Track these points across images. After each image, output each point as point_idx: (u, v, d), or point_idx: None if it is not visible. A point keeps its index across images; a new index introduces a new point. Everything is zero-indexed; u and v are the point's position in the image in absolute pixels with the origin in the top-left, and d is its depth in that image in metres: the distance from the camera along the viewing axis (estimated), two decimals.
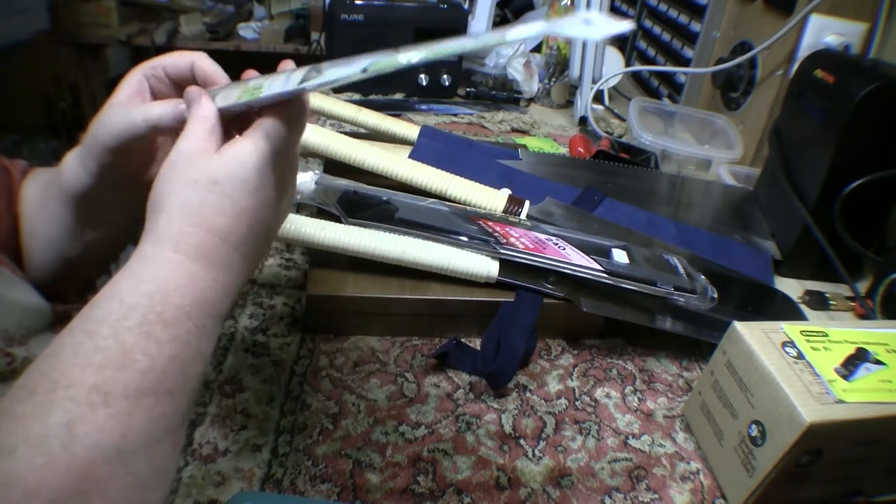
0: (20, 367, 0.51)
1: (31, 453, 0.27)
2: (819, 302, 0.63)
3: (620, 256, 0.56)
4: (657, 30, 1.23)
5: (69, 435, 0.27)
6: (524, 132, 0.99)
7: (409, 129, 0.74)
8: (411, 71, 1.06)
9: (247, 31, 2.36)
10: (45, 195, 0.57)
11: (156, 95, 0.48)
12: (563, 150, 0.91)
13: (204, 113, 0.40)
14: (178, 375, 0.33)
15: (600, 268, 0.53)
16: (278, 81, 0.39)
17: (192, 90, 0.42)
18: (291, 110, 0.40)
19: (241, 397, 0.46)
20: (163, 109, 0.46)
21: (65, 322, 0.58)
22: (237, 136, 0.39)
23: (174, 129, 0.47)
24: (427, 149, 0.71)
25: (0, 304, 0.51)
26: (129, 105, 0.47)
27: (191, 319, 0.34)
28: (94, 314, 0.33)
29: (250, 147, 0.38)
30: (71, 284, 0.62)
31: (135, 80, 0.48)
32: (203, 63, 0.48)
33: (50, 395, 0.28)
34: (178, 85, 0.48)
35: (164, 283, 0.34)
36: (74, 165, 0.53)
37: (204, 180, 0.36)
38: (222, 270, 0.36)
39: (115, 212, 0.59)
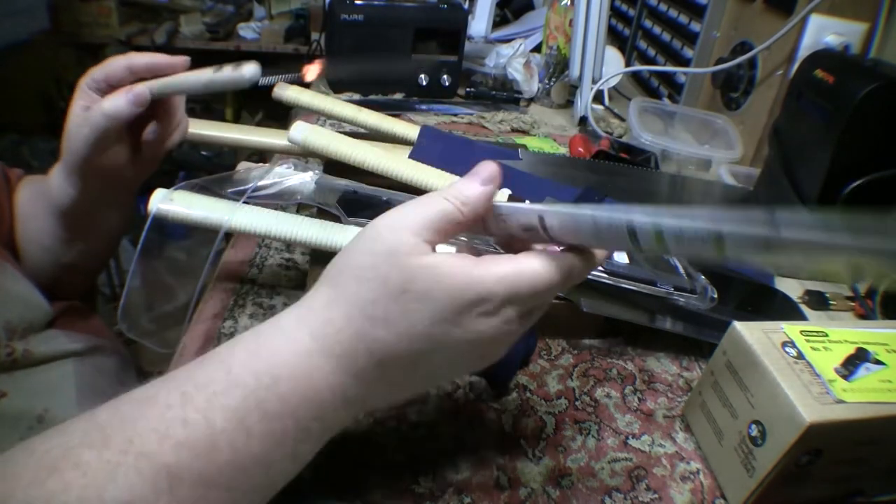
0: (21, 358, 0.51)
1: None
2: (819, 302, 0.63)
3: (620, 256, 0.56)
4: (657, 30, 1.23)
5: None
6: (524, 132, 0.99)
7: (409, 129, 0.74)
8: (412, 70, 1.06)
9: (247, 31, 2.36)
10: (36, 206, 0.58)
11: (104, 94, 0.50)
12: (563, 150, 0.91)
13: (446, 206, 0.31)
14: (260, 478, 0.29)
15: (600, 268, 0.53)
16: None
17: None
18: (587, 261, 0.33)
19: None
20: (115, 100, 0.48)
21: (63, 319, 0.58)
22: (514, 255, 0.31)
23: (134, 115, 0.49)
24: (427, 149, 0.71)
25: (4, 296, 0.52)
26: (87, 111, 0.49)
27: (294, 419, 0.29)
28: (198, 374, 0.29)
29: (507, 274, 0.30)
30: (70, 285, 0.63)
31: (84, 95, 0.50)
32: (138, 60, 0.49)
33: (119, 458, 0.26)
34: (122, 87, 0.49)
35: (281, 365, 0.29)
36: (60, 181, 0.54)
37: (397, 284, 0.29)
38: (353, 381, 0.30)
39: (106, 218, 0.60)
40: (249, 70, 0.46)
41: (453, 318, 0.29)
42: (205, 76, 0.47)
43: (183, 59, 0.49)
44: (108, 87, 0.50)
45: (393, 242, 0.30)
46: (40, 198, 0.57)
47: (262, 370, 0.29)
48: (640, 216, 0.28)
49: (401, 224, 0.30)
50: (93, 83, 0.49)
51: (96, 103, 0.49)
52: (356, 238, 0.31)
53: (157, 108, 0.52)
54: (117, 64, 0.49)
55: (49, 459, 0.25)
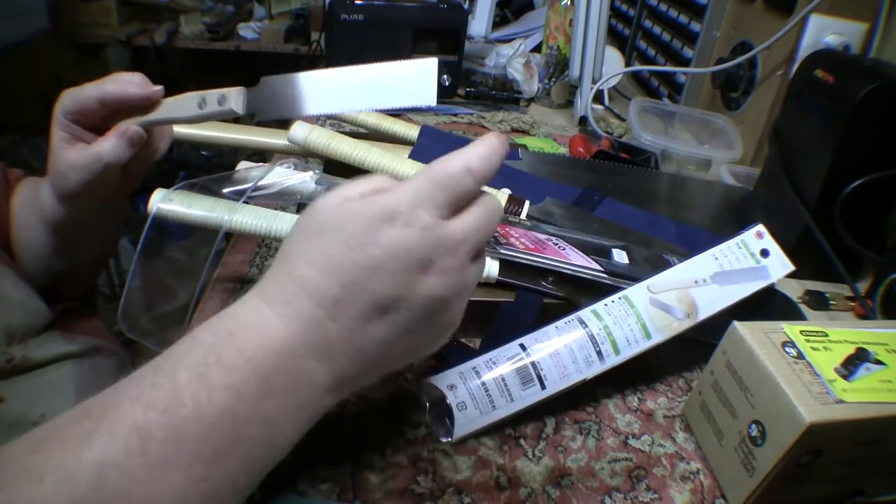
0: (20, 364, 0.51)
1: (58, 488, 0.26)
2: (819, 302, 0.63)
3: (620, 256, 0.56)
4: (657, 30, 1.23)
5: (99, 479, 0.26)
6: (524, 132, 0.99)
7: (409, 128, 0.74)
8: None
9: (247, 31, 2.36)
10: (28, 215, 0.57)
11: (86, 126, 0.49)
12: (563, 150, 0.92)
13: (373, 179, 0.34)
14: (229, 435, 0.29)
15: (600, 268, 0.53)
16: None
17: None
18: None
19: None
20: (113, 145, 0.47)
21: (62, 320, 0.58)
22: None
23: (133, 153, 0.49)
24: (427, 148, 0.71)
25: (4, 301, 0.52)
26: (76, 149, 0.48)
27: (251, 368, 0.30)
28: (170, 350, 0.31)
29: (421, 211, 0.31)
30: (66, 289, 0.62)
31: (63, 126, 0.48)
32: (110, 91, 0.48)
33: (95, 425, 0.27)
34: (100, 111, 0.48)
35: (235, 322, 0.31)
36: (50, 200, 0.53)
37: (315, 227, 0.32)
38: (302, 327, 0.31)
39: (97, 229, 0.59)
40: (234, 102, 0.45)
41: (367, 238, 0.30)
42: (191, 111, 0.46)
43: (157, 90, 0.48)
44: (84, 119, 0.48)
45: (319, 203, 0.33)
46: (32, 207, 0.56)
47: (220, 328, 0.31)
48: None
49: (332, 194, 0.33)
50: (69, 116, 0.48)
51: (88, 141, 0.48)
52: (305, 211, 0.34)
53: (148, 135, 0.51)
54: (88, 96, 0.47)
55: (36, 438, 0.28)
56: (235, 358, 0.30)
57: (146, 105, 0.48)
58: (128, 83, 0.48)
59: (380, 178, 0.34)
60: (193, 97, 0.46)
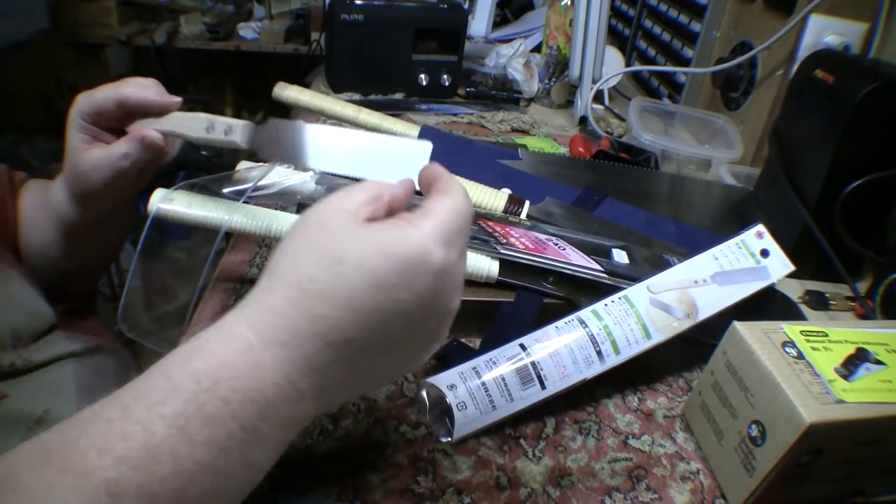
0: (21, 367, 0.51)
1: None
2: (819, 302, 0.63)
3: (620, 256, 0.56)
4: (657, 30, 1.23)
5: None
6: (524, 132, 0.99)
7: (409, 128, 0.74)
8: (412, 70, 1.06)
9: (247, 31, 2.36)
10: (38, 216, 0.58)
11: (103, 127, 0.50)
12: (564, 150, 0.91)
13: (376, 185, 0.32)
14: (207, 486, 0.26)
15: (600, 268, 0.53)
16: None
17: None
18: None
19: None
20: (135, 147, 0.48)
21: (64, 319, 0.59)
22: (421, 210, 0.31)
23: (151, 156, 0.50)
24: None
25: (11, 304, 0.52)
26: (97, 149, 0.49)
27: (236, 420, 0.27)
28: (139, 385, 0.27)
29: (431, 230, 0.30)
30: (71, 289, 0.63)
31: (82, 127, 0.49)
32: (129, 94, 0.49)
33: (58, 478, 0.24)
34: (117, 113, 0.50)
35: (220, 366, 0.27)
36: (64, 199, 0.54)
37: (332, 254, 0.28)
38: (303, 370, 0.28)
39: (108, 229, 0.60)
40: (239, 136, 0.46)
41: (398, 279, 0.28)
42: (198, 132, 0.48)
43: (176, 101, 0.49)
44: (101, 120, 0.49)
45: (324, 215, 0.30)
46: (43, 209, 0.57)
47: (202, 372, 0.27)
48: None
49: (329, 204, 0.30)
50: (87, 117, 0.49)
51: (106, 140, 0.49)
52: (293, 226, 0.31)
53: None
54: (106, 97, 0.48)
55: None
56: (220, 410, 0.26)
57: (161, 112, 0.49)
58: (146, 88, 0.49)
59: (388, 187, 0.32)
60: (203, 119, 0.48)
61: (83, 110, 0.49)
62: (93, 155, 0.49)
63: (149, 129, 0.49)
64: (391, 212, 0.32)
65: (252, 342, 0.28)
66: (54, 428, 0.27)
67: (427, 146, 0.42)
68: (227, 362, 0.27)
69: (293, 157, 0.45)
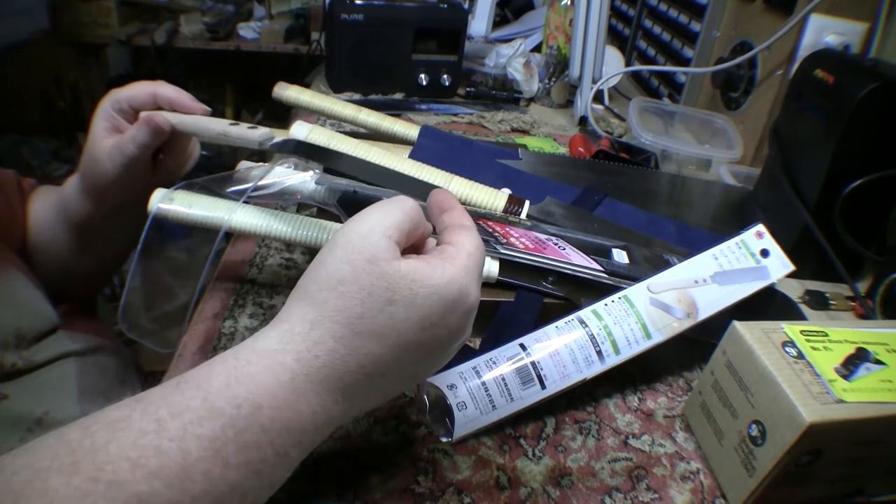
0: (23, 367, 0.51)
1: None
2: (819, 302, 0.63)
3: (620, 256, 0.56)
4: (657, 29, 1.23)
5: None
6: (524, 132, 0.99)
7: (409, 128, 0.74)
8: (412, 70, 1.06)
9: (247, 30, 2.36)
10: (50, 218, 0.58)
11: (129, 119, 0.52)
12: (563, 150, 0.92)
13: (414, 212, 0.33)
14: (235, 503, 0.27)
15: (600, 268, 0.53)
16: None
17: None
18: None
19: None
20: (136, 130, 0.50)
21: (66, 319, 0.59)
22: (446, 246, 0.33)
23: (159, 143, 0.52)
24: (427, 148, 0.71)
25: (16, 304, 0.52)
26: (113, 138, 0.51)
27: (273, 447, 0.28)
28: (174, 399, 0.27)
29: (463, 262, 0.32)
30: (77, 291, 0.63)
31: (107, 116, 0.51)
32: (164, 91, 0.51)
33: (89, 486, 0.24)
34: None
35: (261, 394, 0.28)
36: (78, 196, 0.55)
37: (382, 295, 0.29)
38: (338, 399, 0.30)
39: (118, 231, 0.60)
40: (261, 134, 0.48)
41: (440, 319, 0.30)
42: (219, 126, 0.49)
43: (203, 107, 0.52)
44: (132, 110, 0.51)
45: (369, 249, 0.29)
46: (55, 210, 0.58)
47: (243, 398, 0.27)
48: None
49: (372, 228, 0.30)
50: (117, 105, 0.50)
51: (125, 132, 0.51)
52: (328, 248, 0.30)
53: (179, 137, 0.55)
54: (143, 89, 0.50)
55: (16, 483, 0.24)
56: (258, 437, 0.27)
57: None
58: (182, 92, 0.51)
59: (416, 213, 0.33)
60: (226, 120, 0.50)
61: (115, 98, 0.51)
62: (109, 142, 0.51)
63: (165, 115, 0.50)
64: (420, 237, 0.34)
65: (296, 374, 0.28)
66: (77, 427, 0.26)
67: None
68: (270, 391, 0.28)
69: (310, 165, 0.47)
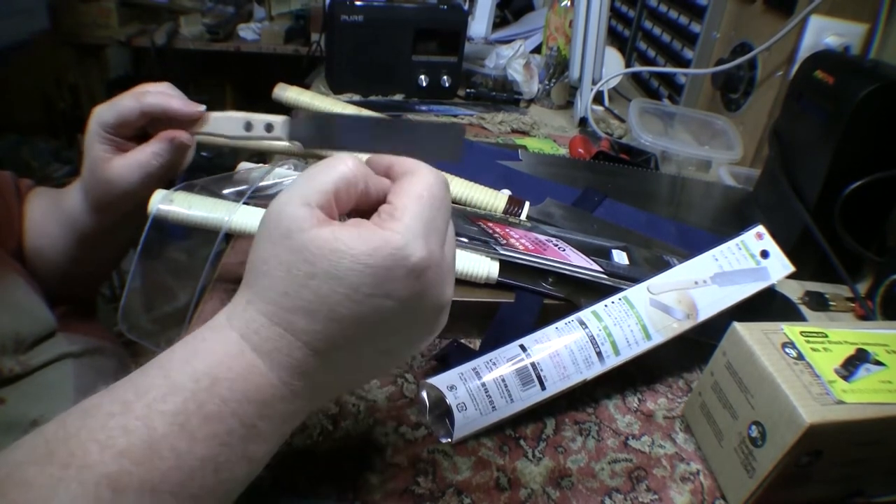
0: (20, 371, 0.51)
1: None
2: (819, 302, 0.63)
3: (620, 257, 0.56)
4: (657, 31, 1.23)
5: None
6: (524, 133, 0.99)
7: None
8: (411, 71, 1.07)
9: (247, 31, 2.36)
10: (48, 221, 0.58)
11: (126, 137, 0.51)
12: (563, 151, 0.92)
13: (344, 169, 0.30)
14: (209, 479, 0.27)
15: (600, 269, 0.53)
16: None
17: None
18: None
19: None
20: (158, 147, 0.50)
21: (63, 321, 0.59)
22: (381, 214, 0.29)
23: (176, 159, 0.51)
24: None
25: (15, 309, 0.52)
26: (121, 159, 0.50)
27: (236, 418, 0.28)
28: (138, 381, 0.28)
29: (406, 229, 0.28)
30: (74, 293, 0.63)
31: (103, 139, 0.50)
32: (151, 101, 0.49)
33: (62, 472, 0.25)
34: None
35: (217, 366, 0.28)
36: (81, 205, 0.54)
37: (301, 269, 0.27)
38: (294, 374, 0.29)
39: (118, 235, 0.60)
40: (282, 131, 0.48)
41: (376, 289, 0.28)
42: (238, 130, 0.49)
43: (202, 110, 0.50)
44: (124, 130, 0.50)
45: (284, 223, 0.28)
46: (54, 215, 0.57)
47: (201, 372, 0.28)
48: None
49: (289, 199, 0.28)
50: (108, 128, 0.49)
51: (135, 155, 0.50)
52: (259, 224, 0.30)
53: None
54: (130, 108, 0.48)
55: None
56: (219, 408, 0.27)
57: (185, 120, 0.50)
58: (169, 97, 0.49)
59: (348, 170, 0.30)
60: (239, 118, 0.49)
61: (105, 121, 0.49)
62: (118, 164, 0.50)
63: (182, 133, 0.50)
64: (369, 195, 0.31)
65: (243, 348, 0.29)
66: (54, 421, 0.27)
67: (461, 129, 0.39)
68: (224, 364, 0.28)
69: (332, 143, 0.43)
